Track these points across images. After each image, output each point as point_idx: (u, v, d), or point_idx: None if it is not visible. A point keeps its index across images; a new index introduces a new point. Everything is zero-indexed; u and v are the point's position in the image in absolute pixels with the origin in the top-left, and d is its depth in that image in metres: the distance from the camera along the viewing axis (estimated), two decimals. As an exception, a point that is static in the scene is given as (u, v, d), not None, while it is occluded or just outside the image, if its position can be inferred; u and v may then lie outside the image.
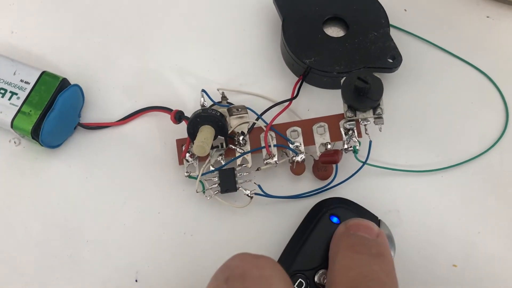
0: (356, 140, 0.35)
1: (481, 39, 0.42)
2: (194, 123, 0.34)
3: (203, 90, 0.36)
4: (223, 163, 0.35)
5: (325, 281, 0.31)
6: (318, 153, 0.35)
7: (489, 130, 0.39)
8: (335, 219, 0.33)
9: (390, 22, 0.40)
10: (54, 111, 0.36)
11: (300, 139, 0.36)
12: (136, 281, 0.35)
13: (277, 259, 0.33)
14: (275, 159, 0.35)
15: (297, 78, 0.40)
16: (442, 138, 0.39)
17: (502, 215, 0.36)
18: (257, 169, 0.35)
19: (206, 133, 0.33)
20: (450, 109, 0.40)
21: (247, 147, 0.36)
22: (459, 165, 0.38)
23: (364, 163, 0.36)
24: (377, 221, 0.33)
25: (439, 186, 0.37)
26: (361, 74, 0.33)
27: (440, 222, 0.36)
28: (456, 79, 0.41)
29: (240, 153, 0.35)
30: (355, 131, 0.35)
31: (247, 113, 0.36)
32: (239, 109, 0.36)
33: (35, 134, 0.36)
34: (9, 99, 0.36)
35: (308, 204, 0.36)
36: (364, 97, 0.34)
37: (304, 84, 0.40)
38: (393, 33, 0.40)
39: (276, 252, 0.35)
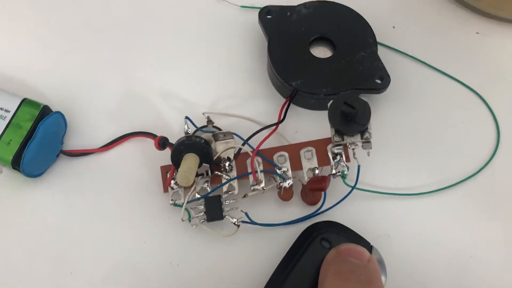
0: (344, 165, 0.34)
1: (471, 56, 0.42)
2: (178, 151, 0.33)
3: (186, 117, 0.36)
4: (209, 190, 0.35)
5: None
6: (306, 178, 0.35)
7: (480, 149, 0.38)
8: (326, 244, 0.32)
9: (378, 40, 0.40)
10: (35, 139, 0.35)
11: (288, 164, 0.35)
12: (122, 314, 0.34)
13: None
14: (262, 185, 0.34)
15: (284, 100, 0.39)
16: (433, 159, 0.38)
17: (495, 235, 0.36)
18: (244, 196, 0.35)
19: (189, 162, 0.33)
20: (440, 129, 0.39)
21: (234, 173, 0.35)
22: (450, 187, 0.37)
23: (353, 188, 0.35)
24: (369, 247, 0.33)
25: (430, 209, 0.36)
26: (347, 99, 0.32)
27: (432, 246, 0.35)
28: (446, 98, 0.40)
29: (226, 179, 0.35)
30: (343, 155, 0.34)
31: (233, 138, 0.36)
32: (225, 135, 0.35)
33: (16, 163, 0.35)
34: (-11, 128, 0.35)
35: (297, 230, 0.36)
36: (351, 122, 0.33)
37: (292, 105, 0.39)
38: (381, 50, 0.39)
39: (263, 280, 0.34)
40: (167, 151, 0.35)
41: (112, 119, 0.39)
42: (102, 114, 0.40)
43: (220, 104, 0.40)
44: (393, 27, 0.43)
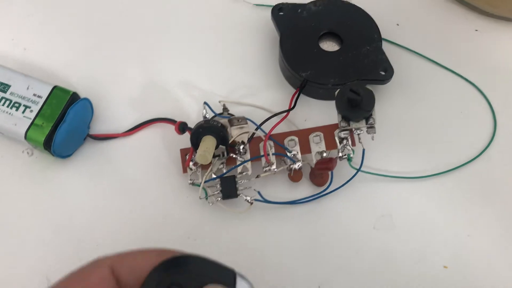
0: (350, 149, 0.37)
1: (470, 51, 0.45)
2: (197, 133, 0.36)
3: (205, 103, 0.39)
4: (224, 171, 0.37)
5: None
6: (314, 161, 0.37)
7: (477, 139, 0.41)
8: None
9: (383, 36, 0.43)
10: (65, 123, 0.38)
11: (297, 148, 0.38)
12: (143, 283, 0.36)
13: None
14: (274, 167, 0.37)
15: (294, 90, 0.42)
16: (433, 146, 0.41)
17: (491, 218, 0.38)
18: (257, 177, 0.37)
19: (208, 143, 0.35)
20: (440, 118, 0.42)
21: (247, 156, 0.38)
22: (449, 172, 0.39)
23: (358, 170, 0.38)
24: (233, 275, 0.26)
25: (430, 192, 0.39)
26: (353, 87, 0.35)
27: (431, 226, 0.38)
28: (445, 90, 0.43)
29: (241, 161, 0.37)
30: (349, 140, 0.37)
31: (247, 123, 0.38)
32: (239, 120, 0.38)
33: (47, 145, 0.38)
34: (23, 112, 0.38)
35: (305, 209, 0.38)
36: (357, 108, 0.36)
37: (301, 95, 0.42)
38: (385, 46, 0.42)
39: (274, 252, 0.37)
40: (186, 136, 0.38)
41: (135, 106, 0.42)
42: (125, 102, 0.43)
43: (235, 93, 0.43)
44: (397, 24, 0.46)
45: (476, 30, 0.46)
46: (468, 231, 0.38)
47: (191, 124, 0.38)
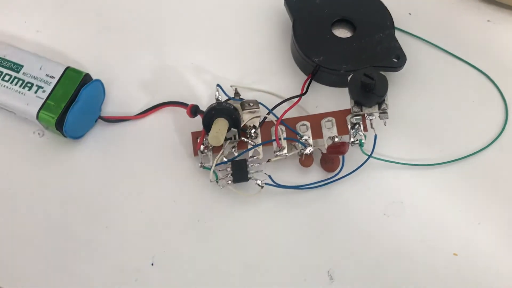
0: (362, 134, 0.37)
1: (482, 41, 0.44)
2: (209, 115, 0.36)
3: (218, 85, 0.39)
4: (235, 155, 0.37)
5: None
6: (326, 146, 0.37)
7: (489, 127, 0.41)
8: None
9: (395, 25, 0.42)
10: (77, 104, 0.38)
11: (309, 132, 0.38)
12: (152, 264, 0.37)
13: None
14: (285, 151, 0.37)
15: (306, 77, 0.42)
16: (444, 134, 0.41)
17: (501, 207, 0.38)
18: (268, 161, 0.37)
19: (220, 125, 0.35)
20: (452, 107, 0.42)
21: (259, 140, 0.38)
22: (460, 160, 0.39)
23: (370, 156, 0.37)
24: None
25: (441, 180, 0.39)
26: (367, 71, 0.35)
27: (441, 213, 0.38)
28: (457, 79, 0.43)
29: (252, 145, 0.37)
30: (361, 125, 0.37)
31: (258, 107, 0.38)
32: (251, 104, 0.38)
33: (59, 125, 0.38)
34: (35, 92, 0.38)
35: (315, 194, 0.38)
36: (370, 93, 0.36)
37: (313, 82, 0.42)
38: (397, 35, 0.42)
39: (283, 237, 0.37)
40: (197, 120, 0.38)
41: (147, 90, 0.42)
42: (137, 85, 0.43)
43: (246, 79, 0.43)
44: (409, 13, 0.46)
45: (489, 21, 0.45)
46: (478, 219, 0.38)
47: (202, 108, 0.38)
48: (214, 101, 0.38)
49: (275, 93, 0.42)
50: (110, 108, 0.42)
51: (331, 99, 0.42)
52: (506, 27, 0.45)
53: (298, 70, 0.43)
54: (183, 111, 0.39)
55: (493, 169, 0.39)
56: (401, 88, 0.42)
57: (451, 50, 0.44)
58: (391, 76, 0.41)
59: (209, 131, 0.36)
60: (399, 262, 0.37)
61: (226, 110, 0.36)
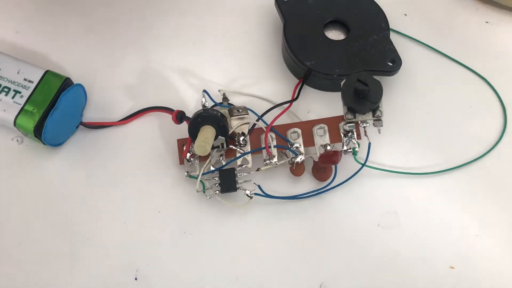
0: (355, 142, 0.35)
1: (480, 44, 0.43)
2: (196, 123, 0.34)
3: (204, 91, 0.37)
4: (223, 163, 0.36)
5: None
6: (318, 154, 0.36)
7: (487, 134, 0.39)
8: None
9: (390, 27, 0.41)
10: (56, 110, 0.36)
11: (300, 140, 0.36)
12: (136, 279, 0.35)
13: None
14: (275, 160, 0.36)
15: (297, 81, 0.41)
16: (441, 141, 0.39)
17: (500, 217, 0.37)
18: (257, 170, 0.36)
19: (207, 133, 0.34)
20: (449, 112, 0.40)
21: (248, 148, 0.36)
22: (457, 168, 0.38)
23: (363, 165, 0.36)
24: None
25: (437, 189, 0.37)
26: (361, 77, 0.34)
27: (438, 224, 0.36)
28: (455, 83, 0.41)
29: (241, 153, 0.36)
30: (355, 133, 0.35)
31: (247, 114, 0.37)
32: (240, 110, 0.37)
33: (38, 132, 0.36)
34: (13, 97, 0.37)
35: (307, 204, 0.37)
36: (363, 100, 0.34)
37: (305, 86, 0.40)
38: (393, 37, 0.41)
39: (274, 249, 0.35)
40: (183, 126, 0.37)
41: (130, 94, 0.41)
42: (120, 89, 0.41)
43: (235, 83, 0.41)
44: (405, 14, 0.44)
45: (487, 22, 0.44)
46: (476, 231, 0.36)
47: (189, 114, 0.36)
48: (201, 107, 0.36)
49: (265, 98, 0.41)
50: (92, 113, 0.40)
51: (324, 104, 0.40)
52: (505, 29, 0.44)
53: (289, 73, 0.42)
54: (168, 116, 0.38)
55: (491, 178, 0.38)
56: (396, 93, 0.41)
57: (448, 53, 0.42)
58: (385, 80, 0.40)
59: (195, 139, 0.34)
60: (393, 275, 0.35)
61: (213, 118, 0.34)
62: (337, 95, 0.36)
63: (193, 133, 0.35)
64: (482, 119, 0.40)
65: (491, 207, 0.37)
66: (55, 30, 0.43)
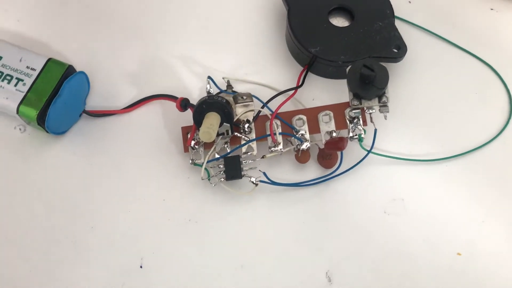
0: (361, 129, 0.35)
1: (485, 31, 0.43)
2: (200, 109, 0.34)
3: (209, 77, 0.36)
4: (228, 151, 0.36)
5: None
6: (323, 141, 0.35)
7: (492, 121, 0.39)
8: None
9: (395, 14, 0.40)
10: (59, 97, 0.36)
11: (305, 127, 0.36)
12: (141, 267, 0.35)
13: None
14: (280, 147, 0.35)
15: (301, 68, 0.40)
16: (446, 128, 0.39)
17: (506, 203, 0.36)
18: (262, 157, 0.35)
19: (212, 120, 0.33)
20: (454, 99, 0.40)
21: (252, 135, 0.36)
22: (463, 155, 0.38)
23: (369, 151, 0.36)
24: None
25: (443, 176, 0.37)
26: (367, 62, 0.33)
27: (444, 211, 0.36)
28: (460, 70, 0.41)
29: (246, 140, 0.36)
30: (360, 119, 0.35)
31: (252, 101, 0.36)
32: (245, 97, 0.36)
33: (41, 120, 0.36)
34: (15, 85, 0.36)
35: (313, 192, 0.37)
36: (369, 85, 0.34)
37: (309, 74, 0.40)
38: (397, 24, 0.40)
39: (279, 237, 0.35)
40: (187, 114, 0.36)
41: (134, 82, 0.40)
42: (124, 77, 0.41)
43: (239, 71, 0.41)
44: (409, 1, 0.44)
45: (492, 9, 0.44)
46: (482, 217, 0.36)
47: (193, 102, 0.36)
48: (205, 94, 0.36)
49: (269, 86, 0.40)
50: (95, 101, 0.40)
51: (329, 91, 0.40)
52: (510, 15, 0.43)
53: (293, 61, 0.41)
54: (172, 104, 0.37)
55: (497, 164, 0.38)
56: (401, 80, 0.40)
57: (453, 40, 0.42)
58: (390, 67, 0.39)
59: (200, 126, 0.34)
60: (400, 262, 0.35)
61: (217, 104, 0.34)
62: (342, 83, 0.35)
63: (198, 119, 0.34)
64: (488, 106, 0.40)
65: (497, 193, 0.37)
66: (57, 18, 0.43)
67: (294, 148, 0.36)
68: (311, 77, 0.40)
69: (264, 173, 0.35)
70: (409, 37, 0.41)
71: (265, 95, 0.38)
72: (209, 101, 0.34)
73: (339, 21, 0.41)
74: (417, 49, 0.41)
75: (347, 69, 0.35)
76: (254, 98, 0.36)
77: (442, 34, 0.42)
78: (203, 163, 0.35)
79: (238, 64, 0.41)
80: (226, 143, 0.36)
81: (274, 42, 0.42)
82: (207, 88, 0.36)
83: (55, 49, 0.41)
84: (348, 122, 0.35)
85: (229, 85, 0.38)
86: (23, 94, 0.36)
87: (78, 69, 0.38)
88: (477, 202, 0.37)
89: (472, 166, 0.38)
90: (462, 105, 0.40)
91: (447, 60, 0.41)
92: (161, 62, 0.41)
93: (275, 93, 0.39)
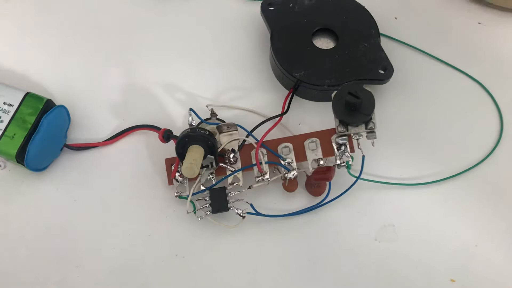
0: (349, 155, 0.34)
1: (473, 46, 0.42)
2: (183, 143, 0.33)
3: (190, 109, 0.36)
4: (214, 182, 0.35)
5: None
6: (311, 169, 0.35)
7: (484, 140, 0.38)
8: None
9: (381, 31, 0.40)
10: (39, 133, 0.35)
11: (292, 155, 0.35)
12: (128, 306, 0.34)
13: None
14: (267, 176, 0.34)
15: (287, 91, 0.39)
16: (437, 149, 0.38)
17: (500, 226, 0.36)
18: (249, 187, 0.35)
19: (195, 154, 0.33)
20: (444, 119, 0.39)
21: (238, 165, 0.35)
22: (454, 177, 0.37)
23: (358, 178, 0.35)
24: None
25: (435, 199, 0.36)
26: (352, 89, 0.32)
27: (436, 236, 0.35)
28: (449, 88, 0.40)
29: (231, 171, 0.35)
30: (348, 146, 0.34)
31: (237, 130, 0.35)
32: (229, 126, 0.35)
33: (20, 158, 0.35)
34: (-7, 122, 0.35)
35: (302, 221, 0.36)
36: (356, 112, 0.33)
37: (295, 97, 0.39)
38: (384, 42, 0.39)
39: (269, 268, 0.34)
40: (171, 144, 0.35)
41: (115, 112, 0.39)
42: (105, 108, 0.40)
43: (223, 96, 0.40)
44: (395, 18, 0.43)
45: (479, 23, 0.43)
46: (476, 241, 0.35)
47: (177, 131, 0.35)
48: (188, 125, 0.35)
49: (255, 111, 0.39)
50: (76, 134, 0.39)
51: (315, 114, 0.39)
52: (498, 29, 0.42)
53: (279, 84, 0.40)
54: (156, 134, 0.37)
55: (490, 185, 0.37)
56: (388, 101, 0.40)
57: (440, 56, 0.41)
58: (377, 88, 0.39)
59: (183, 160, 0.33)
60: (393, 290, 0.34)
61: (200, 137, 0.33)
62: (329, 105, 0.34)
63: (181, 153, 0.33)
64: (478, 124, 0.39)
65: (490, 215, 0.36)
66: (35, 48, 0.42)
67: (281, 176, 0.35)
68: (297, 100, 0.40)
69: (251, 205, 0.35)
70: (395, 55, 0.40)
71: (251, 120, 0.37)
72: (192, 134, 0.33)
73: (324, 43, 0.40)
74: (404, 67, 0.40)
75: (332, 95, 0.34)
76: (238, 127, 0.35)
77: (429, 50, 0.41)
78: (188, 195, 0.34)
79: (223, 89, 0.40)
80: (211, 174, 0.35)
81: (259, 66, 0.41)
82: (189, 120, 0.35)
83: (34, 81, 0.40)
84: (335, 149, 0.35)
85: (213, 113, 0.37)
86: (1, 131, 0.35)
87: (57, 100, 0.38)
88: (470, 225, 0.36)
89: (464, 188, 0.37)
90: (452, 125, 0.39)
91: (435, 78, 0.41)
92: (143, 90, 0.40)
93: (262, 118, 0.38)
